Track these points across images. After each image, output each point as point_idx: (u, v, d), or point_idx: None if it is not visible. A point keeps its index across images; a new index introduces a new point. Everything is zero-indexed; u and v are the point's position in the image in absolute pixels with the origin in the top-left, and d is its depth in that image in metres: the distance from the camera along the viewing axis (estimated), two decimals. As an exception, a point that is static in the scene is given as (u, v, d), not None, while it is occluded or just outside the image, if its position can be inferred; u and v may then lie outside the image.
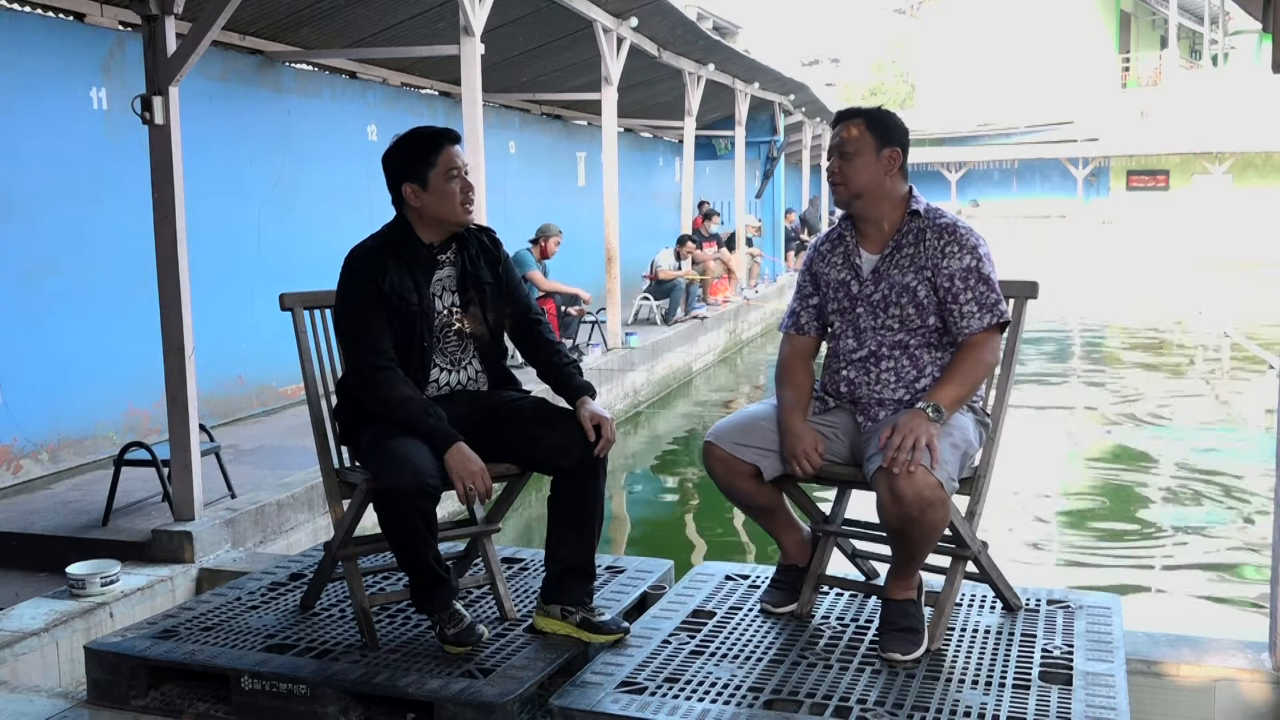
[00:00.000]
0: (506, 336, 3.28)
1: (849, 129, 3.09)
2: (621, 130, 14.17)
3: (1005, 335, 3.10)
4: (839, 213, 3.24)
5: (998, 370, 3.15)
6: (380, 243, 3.11)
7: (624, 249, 11.56)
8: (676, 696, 2.71)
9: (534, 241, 10.14)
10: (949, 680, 2.77)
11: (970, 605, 3.27)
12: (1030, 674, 2.80)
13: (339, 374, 3.26)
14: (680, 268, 13.68)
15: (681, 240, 14.04)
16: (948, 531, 2.94)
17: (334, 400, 3.26)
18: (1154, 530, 6.97)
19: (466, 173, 3.09)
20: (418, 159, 3.04)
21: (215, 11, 4.79)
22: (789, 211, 22.95)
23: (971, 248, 3.02)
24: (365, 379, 3.00)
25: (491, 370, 3.24)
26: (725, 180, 19.15)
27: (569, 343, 10.18)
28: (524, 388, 3.30)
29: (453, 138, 3.09)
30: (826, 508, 3.30)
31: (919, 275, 3.03)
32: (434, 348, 3.12)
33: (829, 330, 3.22)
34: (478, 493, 2.91)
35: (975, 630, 3.09)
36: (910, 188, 3.14)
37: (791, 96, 19.08)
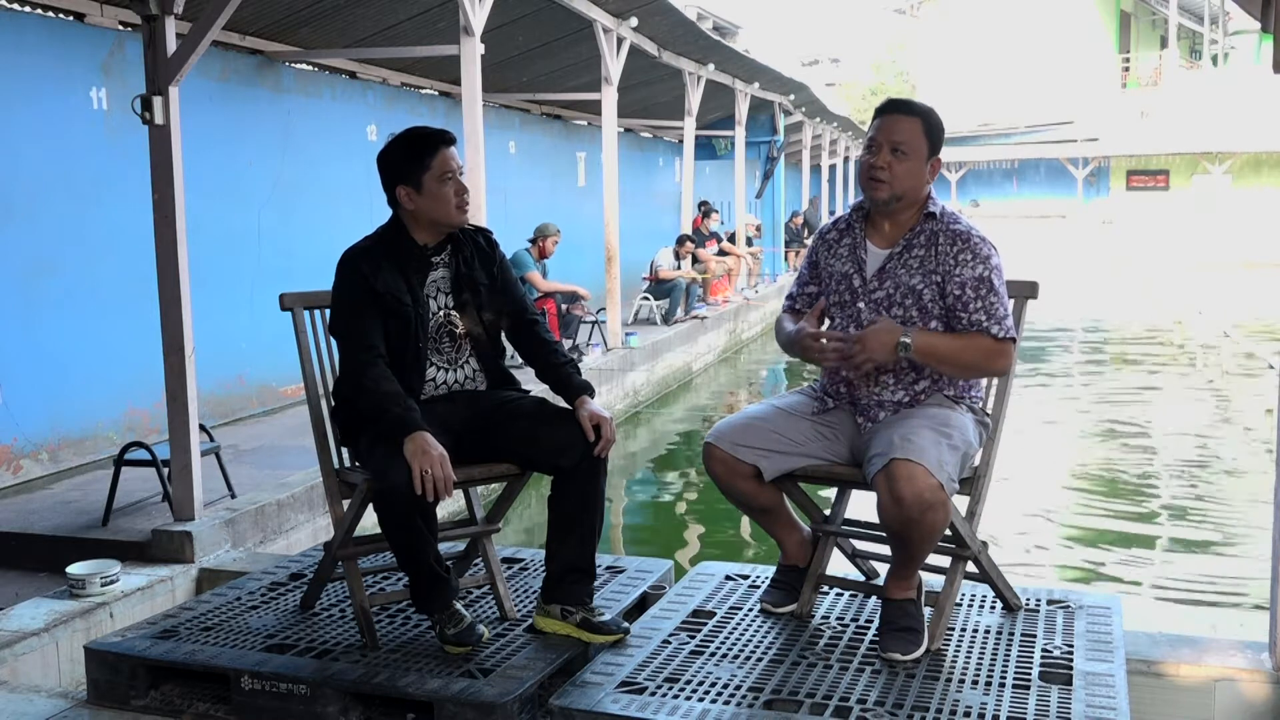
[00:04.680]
0: (504, 337, 3.28)
1: (906, 125, 2.96)
2: (621, 130, 14.17)
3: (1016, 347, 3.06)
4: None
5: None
6: (374, 243, 3.12)
7: (624, 249, 11.56)
8: (676, 696, 2.70)
9: (532, 241, 10.08)
10: (949, 680, 2.77)
11: (970, 605, 3.27)
12: (1030, 674, 2.80)
13: (339, 374, 3.27)
14: (680, 267, 13.67)
15: (681, 240, 14.04)
16: (948, 531, 2.93)
17: (334, 400, 3.26)
18: (1154, 530, 6.97)
19: (462, 174, 3.08)
20: (412, 161, 3.04)
21: (215, 11, 4.79)
22: (794, 214, 22.97)
23: (985, 258, 2.97)
24: (352, 373, 3.01)
25: (490, 370, 3.24)
26: (725, 180, 19.15)
27: (569, 343, 10.17)
28: (523, 388, 3.31)
29: (448, 139, 3.08)
30: (826, 508, 3.30)
31: (927, 279, 2.99)
32: (429, 348, 3.13)
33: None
34: (434, 477, 2.75)
35: (975, 630, 3.09)
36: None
37: (791, 96, 19.09)
